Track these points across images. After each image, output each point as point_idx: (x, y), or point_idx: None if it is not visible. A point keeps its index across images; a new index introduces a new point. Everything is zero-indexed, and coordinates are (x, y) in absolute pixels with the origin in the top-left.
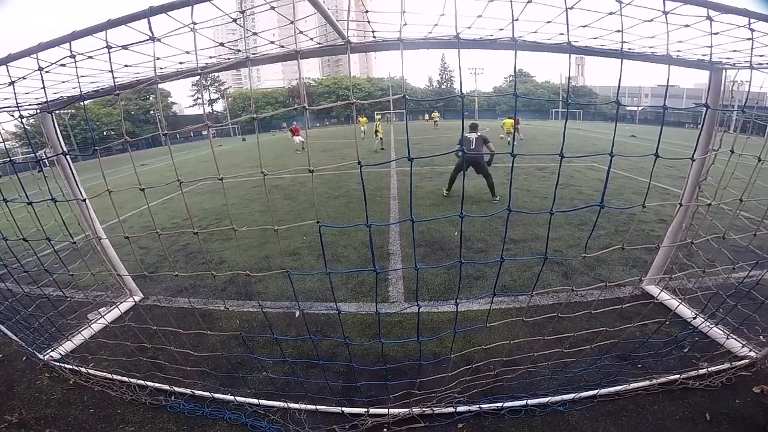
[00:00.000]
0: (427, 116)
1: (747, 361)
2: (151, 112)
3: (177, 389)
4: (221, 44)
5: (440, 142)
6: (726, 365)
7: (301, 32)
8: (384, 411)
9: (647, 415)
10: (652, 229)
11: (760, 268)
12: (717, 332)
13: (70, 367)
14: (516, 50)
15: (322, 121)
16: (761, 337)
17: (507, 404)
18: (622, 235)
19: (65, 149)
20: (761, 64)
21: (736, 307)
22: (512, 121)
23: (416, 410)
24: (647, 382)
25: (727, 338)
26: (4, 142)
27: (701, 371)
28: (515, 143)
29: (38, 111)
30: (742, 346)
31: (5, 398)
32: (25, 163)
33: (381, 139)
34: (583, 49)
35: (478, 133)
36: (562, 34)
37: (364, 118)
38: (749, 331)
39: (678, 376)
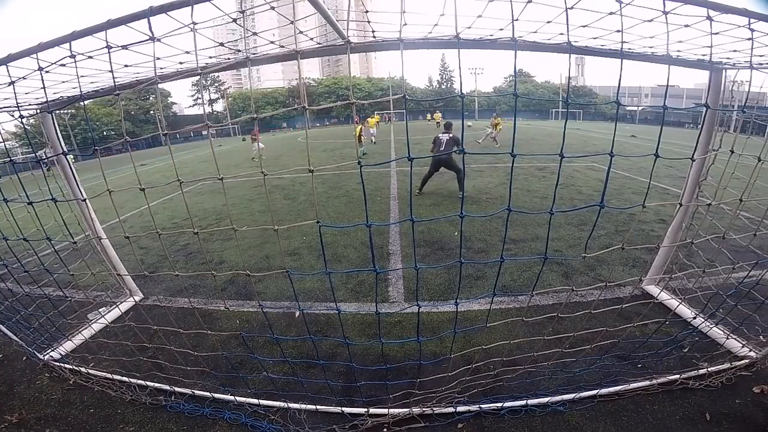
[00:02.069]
0: (429, 116)
1: (747, 361)
2: (151, 112)
3: (177, 389)
4: (221, 44)
5: None
6: (726, 365)
7: (301, 32)
8: (384, 411)
9: (647, 415)
10: (652, 229)
11: (760, 268)
12: (717, 332)
13: (70, 367)
14: (516, 50)
15: (322, 121)
16: (761, 337)
17: (507, 404)
18: (622, 235)
19: (65, 149)
20: (761, 64)
21: (736, 307)
22: (499, 120)
23: (416, 410)
24: (647, 382)
25: (727, 338)
26: (4, 142)
27: (701, 371)
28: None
29: (38, 111)
30: (742, 346)
31: (5, 398)
32: (25, 163)
33: (362, 145)
34: (583, 49)
35: (451, 134)
36: (562, 34)
37: (375, 119)
38: (749, 331)
39: (678, 376)
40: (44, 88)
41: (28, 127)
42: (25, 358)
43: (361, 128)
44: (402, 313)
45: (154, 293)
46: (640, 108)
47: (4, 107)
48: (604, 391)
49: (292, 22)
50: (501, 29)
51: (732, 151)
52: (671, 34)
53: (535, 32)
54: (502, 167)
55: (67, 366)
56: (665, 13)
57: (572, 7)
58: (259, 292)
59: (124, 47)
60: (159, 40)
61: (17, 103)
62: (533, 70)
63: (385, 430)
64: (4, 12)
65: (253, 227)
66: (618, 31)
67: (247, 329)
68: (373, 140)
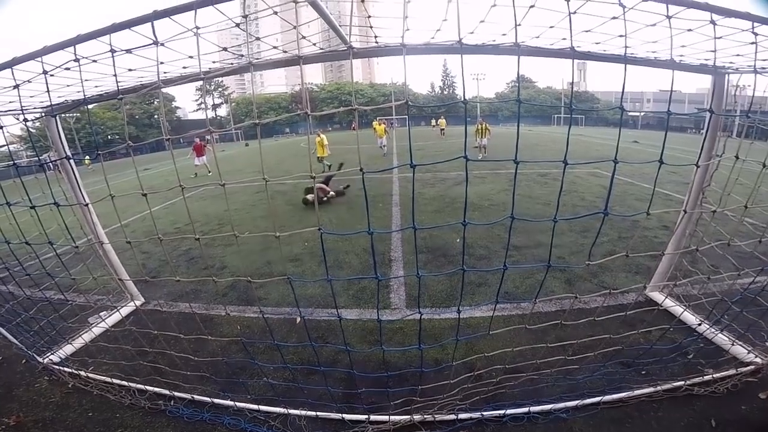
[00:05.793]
0: (433, 122)
1: (752, 367)
2: (155, 116)
3: (177, 394)
4: (225, 49)
5: (443, 149)
6: (731, 371)
7: (304, 37)
8: (385, 418)
9: (651, 421)
10: (655, 235)
11: (766, 274)
12: (722, 339)
13: (69, 370)
14: (519, 55)
15: (324, 127)
16: (767, 343)
17: (509, 411)
18: (625, 242)
19: (69, 153)
20: (764, 68)
21: (742, 313)
22: (486, 126)
23: (417, 417)
24: (651, 389)
25: (733, 344)
26: (8, 145)
27: (706, 377)
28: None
29: (43, 114)
30: (748, 353)
31: (4, 401)
32: (29, 167)
33: (324, 162)
34: (586, 54)
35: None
36: (564, 39)
37: (382, 126)
38: (755, 338)
39: (683, 382)
40: (48, 91)
41: (33, 131)
42: (24, 361)
43: (321, 140)
44: (404, 320)
45: (155, 298)
46: (642, 113)
47: (9, 110)
48: (607, 397)
49: (295, 27)
50: (504, 34)
51: (737, 157)
52: (674, 39)
53: (538, 37)
54: (504, 173)
55: (66, 369)
56: (668, 17)
57: (575, 12)
58: (260, 298)
59: (128, 51)
60: (163, 44)
61: (22, 107)
62: (535, 76)
63: None
64: (3, 12)
65: (255, 233)
66: (621, 35)
67: (248, 335)
68: (385, 152)
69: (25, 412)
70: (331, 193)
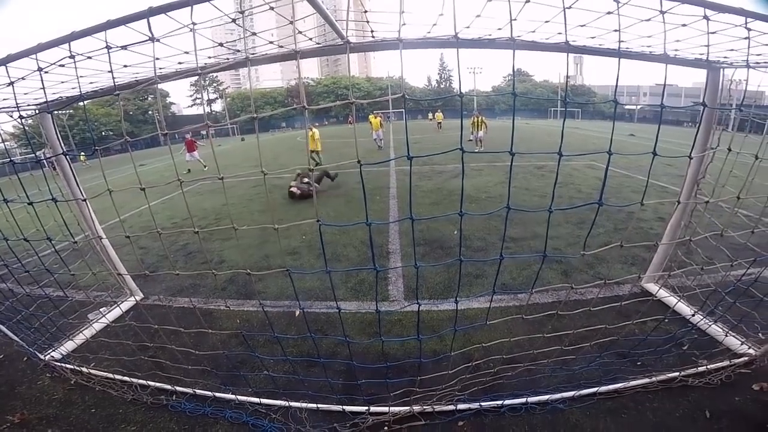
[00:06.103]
0: (430, 115)
1: (746, 358)
2: (150, 112)
3: (178, 388)
4: (220, 44)
5: (440, 141)
6: (725, 363)
7: (300, 32)
8: (385, 409)
9: (647, 412)
10: (650, 227)
11: (759, 265)
12: (716, 330)
13: (71, 367)
14: (514, 50)
15: (320, 120)
16: (760, 334)
17: (507, 402)
18: (621, 233)
19: (64, 149)
20: (758, 63)
21: (735, 304)
22: (483, 119)
23: (417, 408)
24: (647, 380)
25: (726, 336)
26: (3, 142)
27: (700, 369)
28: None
29: (37, 111)
30: (741, 344)
31: (7, 398)
32: (24, 164)
33: (316, 158)
34: (581, 48)
35: None
36: (560, 33)
37: (378, 119)
38: (748, 329)
39: (677, 373)
40: (43, 88)
41: (27, 128)
42: (26, 358)
43: (313, 134)
44: (402, 311)
45: (155, 293)
46: (638, 107)
47: (4, 108)
48: (603, 388)
49: (291, 22)
50: (499, 29)
51: (729, 149)
52: (669, 34)
53: (534, 32)
54: (500, 166)
55: (68, 366)
56: (662, 12)
57: (570, 7)
58: (259, 291)
59: (124, 47)
60: (158, 40)
61: (16, 104)
62: (532, 70)
63: (385, 428)
64: (3, 12)
65: (253, 226)
66: (616, 30)
67: (248, 328)
68: (380, 145)
69: (29, 410)
70: (315, 184)
